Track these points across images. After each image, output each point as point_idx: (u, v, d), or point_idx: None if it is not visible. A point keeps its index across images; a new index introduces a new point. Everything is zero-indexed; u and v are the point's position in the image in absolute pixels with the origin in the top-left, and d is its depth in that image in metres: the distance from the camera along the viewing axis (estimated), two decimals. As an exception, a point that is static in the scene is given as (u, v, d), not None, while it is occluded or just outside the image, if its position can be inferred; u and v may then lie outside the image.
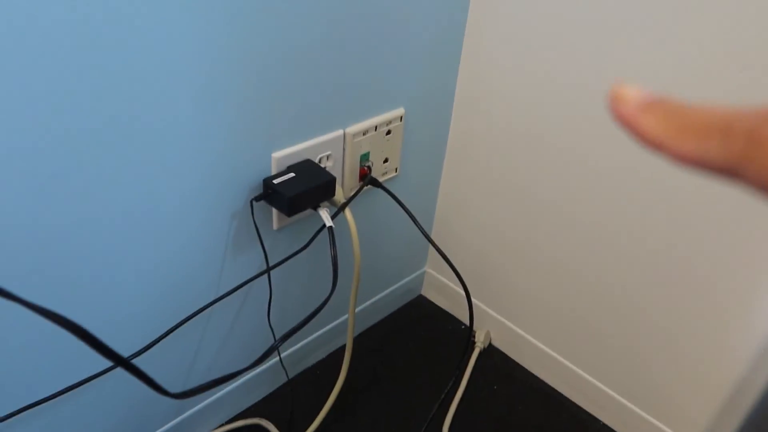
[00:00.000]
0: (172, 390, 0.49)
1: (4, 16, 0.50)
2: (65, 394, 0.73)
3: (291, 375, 1.07)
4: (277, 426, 0.99)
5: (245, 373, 0.96)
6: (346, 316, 1.12)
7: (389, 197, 0.90)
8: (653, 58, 0.77)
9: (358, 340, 1.17)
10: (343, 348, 1.15)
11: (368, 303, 1.16)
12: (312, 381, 1.09)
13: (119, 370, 0.77)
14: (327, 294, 0.75)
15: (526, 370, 1.15)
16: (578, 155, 0.90)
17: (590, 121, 0.86)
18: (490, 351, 1.19)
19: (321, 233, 0.89)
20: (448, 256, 0.89)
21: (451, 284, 1.22)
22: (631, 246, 0.89)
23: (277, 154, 0.79)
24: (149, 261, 0.73)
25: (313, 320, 1.05)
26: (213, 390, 0.95)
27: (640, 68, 0.78)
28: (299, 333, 1.04)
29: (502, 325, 1.16)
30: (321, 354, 1.12)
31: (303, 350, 1.07)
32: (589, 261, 0.96)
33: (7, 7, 0.50)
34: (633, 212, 0.87)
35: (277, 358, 1.01)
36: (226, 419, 1.00)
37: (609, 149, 0.86)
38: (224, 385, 0.96)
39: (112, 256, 0.69)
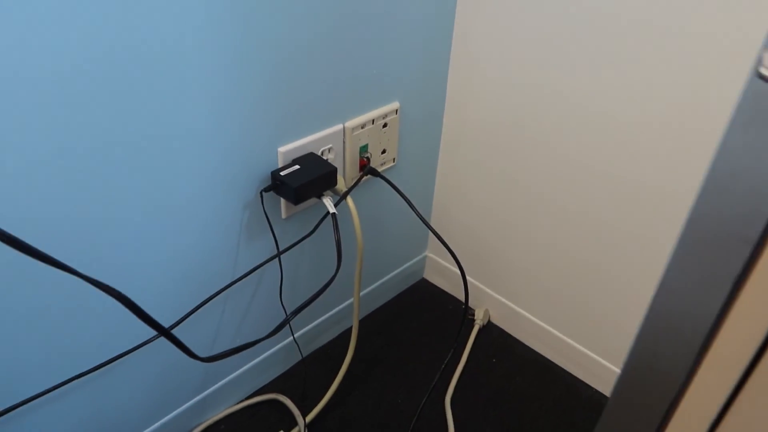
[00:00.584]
0: (198, 364, 0.57)
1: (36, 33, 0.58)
2: (105, 368, 0.81)
3: (304, 354, 1.15)
4: (292, 401, 1.07)
5: (263, 351, 1.05)
6: (352, 299, 1.20)
7: (389, 186, 0.98)
8: (642, 55, 0.84)
9: (364, 321, 1.25)
10: (351, 329, 1.23)
11: (373, 287, 1.24)
12: (323, 359, 1.17)
13: (151, 346, 0.85)
14: (333, 275, 0.83)
15: (524, 344, 1.23)
16: (564, 143, 0.97)
17: (572, 110, 0.93)
18: (490, 328, 1.26)
19: (325, 220, 0.97)
20: (447, 241, 0.97)
21: (451, 267, 1.30)
22: (612, 223, 0.97)
23: (282, 149, 0.87)
24: (169, 246, 0.81)
25: (323, 302, 1.14)
26: (233, 368, 1.03)
27: (628, 65, 0.85)
28: (311, 314, 1.12)
29: (500, 303, 1.23)
30: (331, 335, 1.20)
31: (315, 331, 1.15)
32: (579, 240, 1.03)
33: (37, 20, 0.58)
34: (609, 194, 0.94)
35: (292, 338, 1.09)
36: (246, 396, 1.09)
37: (590, 137, 0.93)
38: (244, 363, 1.04)
39: (135, 240, 0.77)
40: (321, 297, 1.08)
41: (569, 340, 1.14)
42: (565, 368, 1.17)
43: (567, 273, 1.08)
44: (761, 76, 0.24)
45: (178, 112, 0.72)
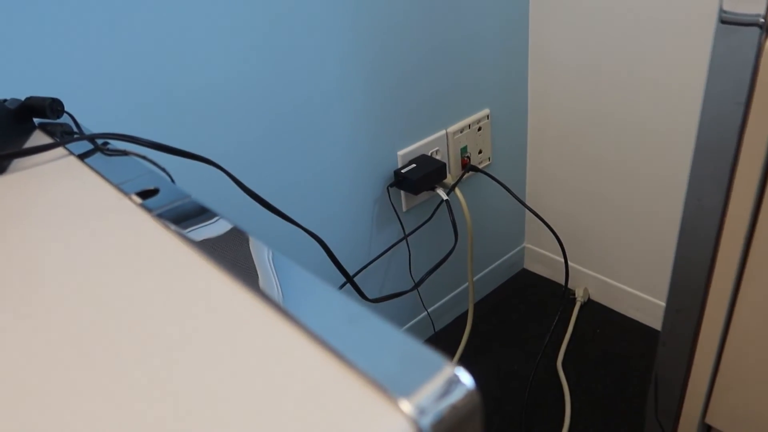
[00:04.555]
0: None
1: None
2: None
3: (429, 333, 1.33)
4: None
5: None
6: (465, 284, 1.37)
7: (487, 183, 1.16)
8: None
9: (476, 306, 1.42)
10: (466, 312, 1.40)
11: (480, 275, 1.41)
12: (444, 338, 1.34)
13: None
14: (453, 246, 1.01)
15: (624, 315, 1.35)
16: (638, 122, 1.12)
17: (645, 96, 1.09)
18: (590, 304, 1.39)
19: (439, 209, 1.16)
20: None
21: (548, 253, 1.45)
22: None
23: (401, 152, 1.08)
24: (322, 228, 1.03)
25: (440, 287, 1.32)
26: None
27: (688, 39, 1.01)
28: (432, 297, 1.31)
29: (598, 280, 1.37)
30: (449, 318, 1.38)
31: (435, 314, 1.33)
32: (668, 207, 1.16)
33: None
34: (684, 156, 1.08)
35: (421, 315, 1.28)
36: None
37: (662, 113, 1.08)
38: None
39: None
40: (438, 277, 1.27)
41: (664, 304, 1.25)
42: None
43: (659, 240, 1.21)
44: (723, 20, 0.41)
45: (329, 133, 0.95)
